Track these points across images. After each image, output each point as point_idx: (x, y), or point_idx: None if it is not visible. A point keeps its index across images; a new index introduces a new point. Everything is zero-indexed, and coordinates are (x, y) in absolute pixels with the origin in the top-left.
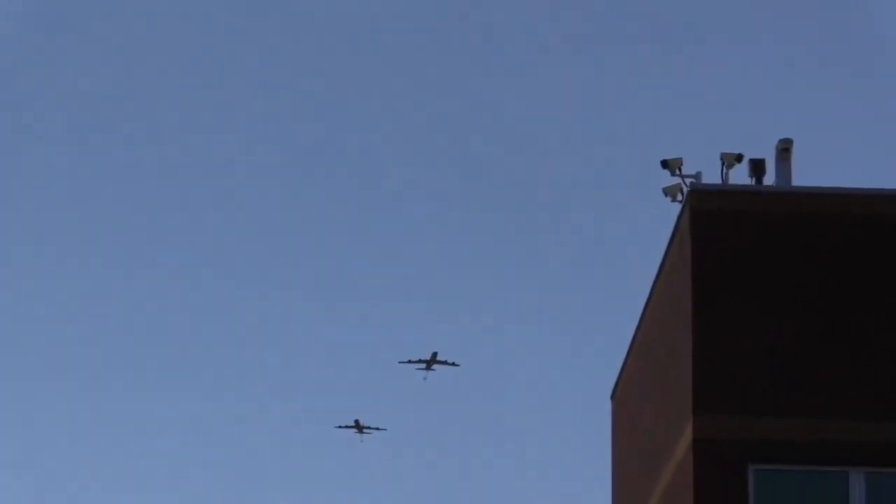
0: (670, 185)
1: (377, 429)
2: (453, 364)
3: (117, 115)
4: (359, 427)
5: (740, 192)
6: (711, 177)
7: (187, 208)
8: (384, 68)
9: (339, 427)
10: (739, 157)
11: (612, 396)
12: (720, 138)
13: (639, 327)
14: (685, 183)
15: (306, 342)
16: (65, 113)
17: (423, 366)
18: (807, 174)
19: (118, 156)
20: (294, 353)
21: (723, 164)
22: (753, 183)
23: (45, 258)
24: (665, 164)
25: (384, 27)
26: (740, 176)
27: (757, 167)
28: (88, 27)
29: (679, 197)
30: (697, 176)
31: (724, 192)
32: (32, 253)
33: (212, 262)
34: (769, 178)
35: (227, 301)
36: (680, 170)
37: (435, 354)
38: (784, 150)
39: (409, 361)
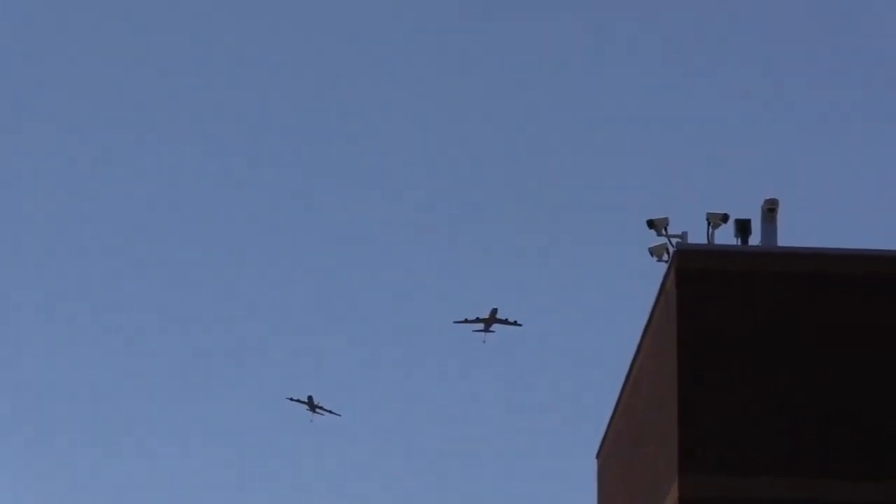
0: (656, 244)
1: (331, 412)
2: (515, 323)
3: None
4: (311, 405)
5: (726, 252)
6: (697, 237)
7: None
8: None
9: (291, 399)
10: (725, 217)
11: (598, 455)
12: (706, 198)
13: (624, 386)
14: (671, 243)
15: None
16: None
17: (482, 326)
18: (793, 234)
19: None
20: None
21: (709, 223)
22: (739, 243)
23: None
24: (651, 223)
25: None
26: (726, 236)
27: (743, 227)
28: (89, 27)
29: (665, 257)
30: (683, 236)
31: (710, 252)
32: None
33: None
34: (755, 239)
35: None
36: (666, 229)
37: (495, 311)
38: (770, 210)
39: (466, 321)
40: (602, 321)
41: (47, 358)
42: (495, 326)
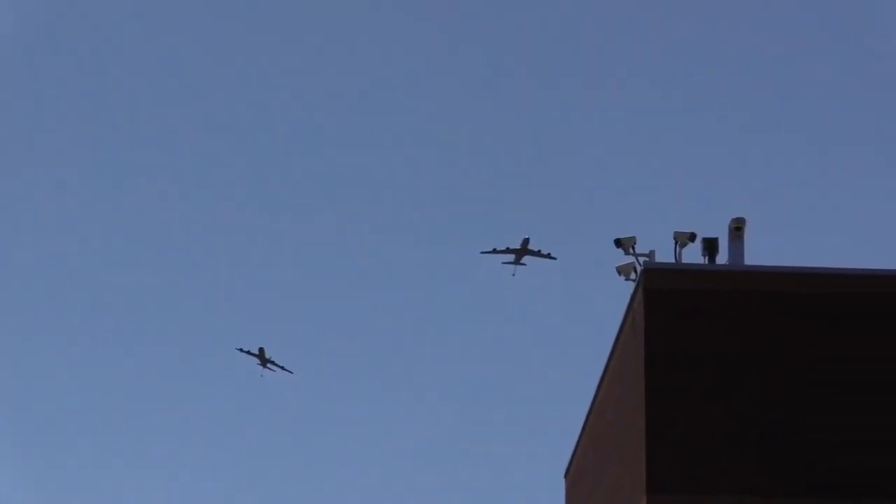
0: (623, 263)
1: (283, 368)
2: (549, 256)
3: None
4: (262, 358)
5: (693, 270)
6: (665, 255)
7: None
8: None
9: (241, 350)
10: (692, 236)
11: (566, 474)
12: (673, 217)
13: (592, 406)
14: (638, 262)
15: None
16: None
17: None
18: (760, 253)
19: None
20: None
21: (676, 242)
22: (706, 262)
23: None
24: (618, 242)
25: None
26: (693, 255)
27: (710, 246)
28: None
29: (632, 275)
30: (650, 255)
31: (678, 271)
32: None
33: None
34: (722, 257)
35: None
36: (633, 248)
37: (526, 241)
38: (737, 228)
39: (495, 251)
40: (569, 340)
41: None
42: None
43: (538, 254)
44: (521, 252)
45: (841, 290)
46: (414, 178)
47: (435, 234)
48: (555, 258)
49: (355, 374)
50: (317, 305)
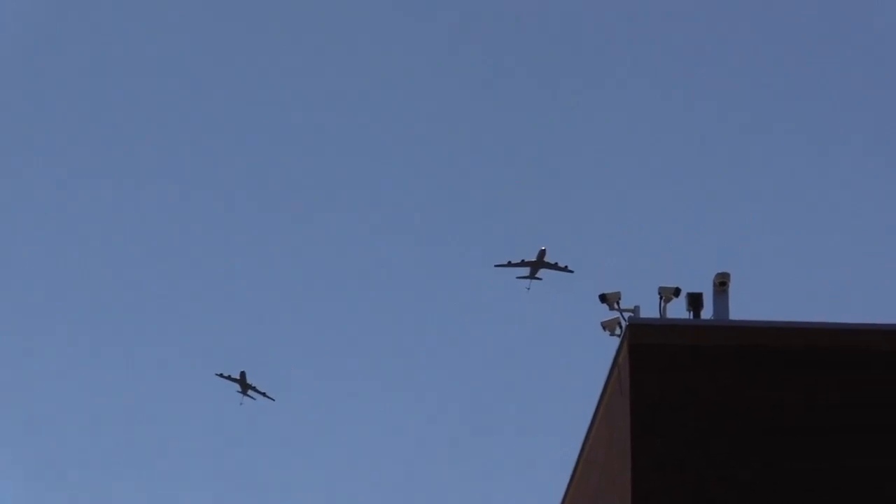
0: (609, 318)
1: (265, 395)
2: (566, 269)
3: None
4: (244, 384)
5: (678, 325)
6: (649, 310)
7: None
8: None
9: (221, 376)
10: (677, 291)
11: None
12: (658, 272)
13: (578, 460)
14: (623, 317)
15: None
16: None
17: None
18: (745, 308)
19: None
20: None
21: (661, 298)
22: (691, 317)
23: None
24: (603, 298)
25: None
26: (678, 310)
27: (694, 301)
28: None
29: (617, 331)
30: (635, 310)
31: (662, 326)
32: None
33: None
34: (707, 312)
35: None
36: (618, 304)
37: (543, 253)
38: (721, 283)
39: (510, 264)
40: (555, 395)
41: None
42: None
43: (555, 267)
44: (537, 265)
45: (824, 345)
46: (412, 183)
47: (435, 255)
48: (572, 271)
49: (339, 395)
50: (306, 329)
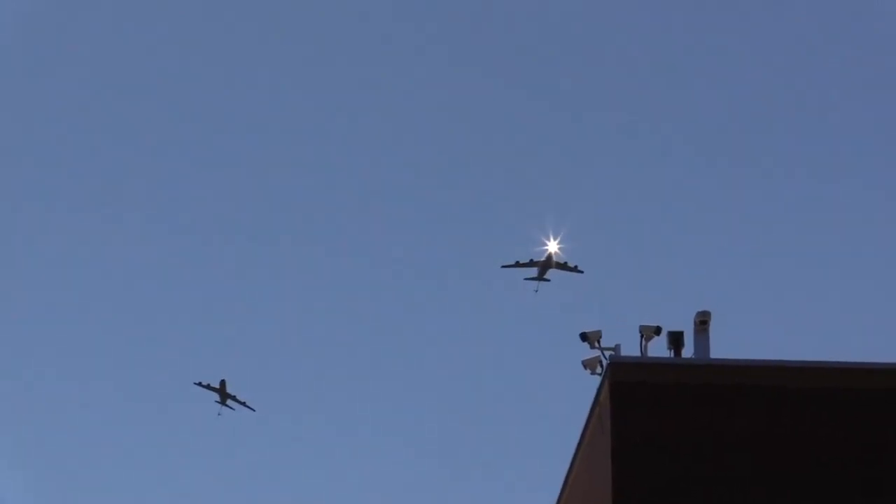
0: (589, 357)
1: (245, 404)
2: (576, 269)
3: None
4: (223, 393)
5: (659, 364)
6: (630, 349)
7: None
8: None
9: (199, 385)
10: (658, 330)
11: None
12: (639, 311)
13: (560, 499)
14: (604, 355)
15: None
16: None
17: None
18: (725, 346)
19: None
20: None
21: (642, 336)
22: (672, 355)
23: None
24: (584, 336)
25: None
26: (659, 348)
27: (675, 340)
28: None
29: (598, 369)
30: (616, 348)
31: (644, 365)
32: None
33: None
34: (688, 351)
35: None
36: (599, 342)
37: (550, 257)
38: (702, 322)
39: (518, 264)
40: (536, 435)
41: None
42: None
43: (564, 266)
44: (546, 265)
45: (805, 383)
46: (409, 182)
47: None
48: (581, 271)
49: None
50: (292, 335)
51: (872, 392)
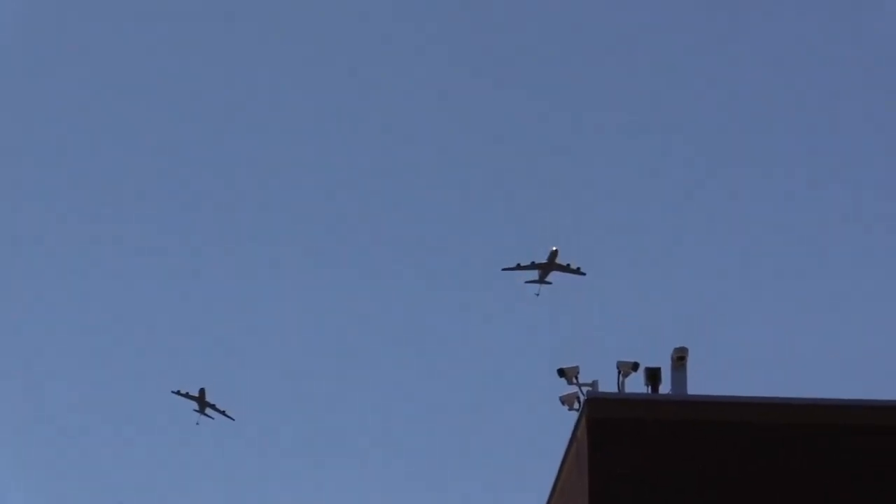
0: (567, 393)
1: (224, 413)
2: (578, 271)
3: None
4: (202, 402)
5: (636, 400)
6: (608, 385)
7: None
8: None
9: (177, 393)
10: (636, 366)
11: None
12: (616, 347)
13: None
14: (582, 391)
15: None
16: None
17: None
18: (702, 382)
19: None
20: None
21: (619, 372)
22: (650, 391)
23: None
24: (562, 372)
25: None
26: (637, 384)
27: (653, 376)
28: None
29: (576, 405)
30: (594, 384)
31: (621, 401)
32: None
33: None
34: (665, 387)
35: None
36: (576, 378)
37: (555, 254)
38: (679, 358)
39: (519, 266)
40: (512, 470)
41: None
42: None
43: (567, 268)
44: (548, 267)
45: (783, 419)
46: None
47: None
48: (584, 273)
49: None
50: (276, 342)
51: (850, 428)
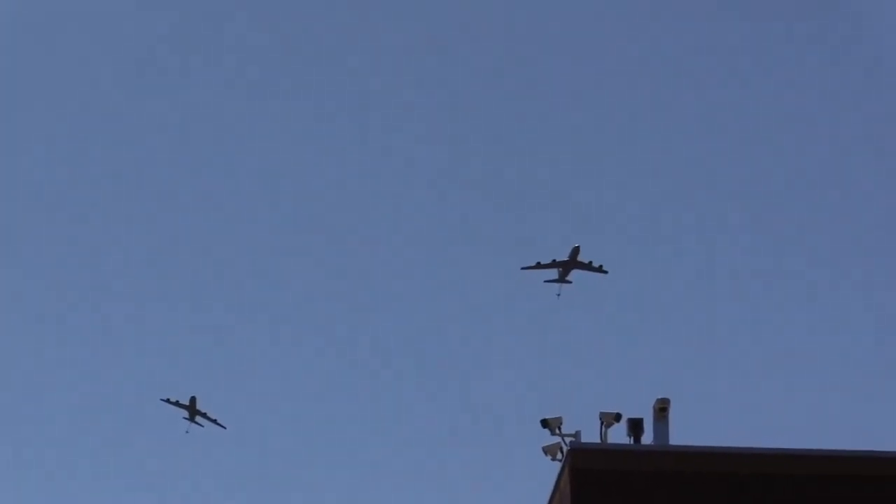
0: (550, 443)
1: (216, 422)
2: (600, 269)
3: None
4: (193, 410)
5: (619, 451)
6: (591, 436)
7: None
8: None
9: (167, 401)
10: (618, 417)
11: None
12: (599, 398)
13: None
14: (565, 442)
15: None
16: None
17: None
18: (685, 433)
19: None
20: None
21: (602, 423)
22: (632, 442)
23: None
24: (545, 423)
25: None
26: (619, 435)
27: (635, 426)
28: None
29: (559, 456)
30: (577, 435)
31: (604, 451)
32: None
33: None
34: (648, 438)
35: None
36: (560, 429)
37: (576, 251)
38: (661, 409)
39: (539, 265)
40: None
41: None
42: None
43: (588, 266)
44: (569, 265)
45: (765, 470)
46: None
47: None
48: (606, 272)
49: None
50: (268, 348)
51: (831, 479)
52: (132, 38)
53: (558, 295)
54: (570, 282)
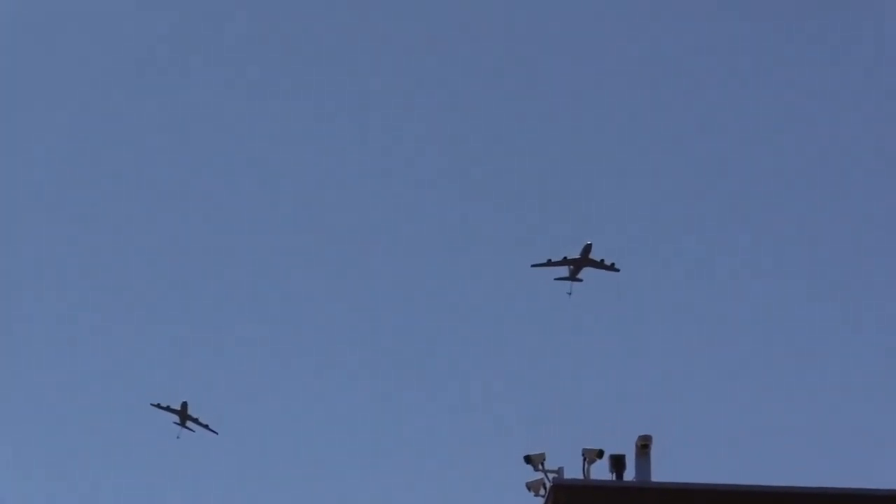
0: (533, 479)
1: (207, 427)
2: (612, 267)
3: None
4: (184, 415)
5: (602, 487)
6: (573, 472)
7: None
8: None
9: (157, 406)
10: (601, 453)
11: None
12: (581, 434)
13: None
14: (548, 478)
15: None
16: None
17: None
18: (667, 470)
19: None
20: None
21: (584, 459)
22: (614, 478)
23: None
24: (528, 459)
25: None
26: (602, 471)
27: (617, 463)
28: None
29: (542, 492)
30: (560, 471)
31: (586, 488)
32: None
33: None
34: (630, 474)
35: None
36: (543, 465)
37: (588, 248)
38: (644, 446)
39: (550, 262)
40: None
41: None
42: None
43: (601, 264)
44: (581, 262)
45: None
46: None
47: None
48: (618, 270)
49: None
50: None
51: None
52: (132, 38)
53: (569, 293)
54: (580, 280)
